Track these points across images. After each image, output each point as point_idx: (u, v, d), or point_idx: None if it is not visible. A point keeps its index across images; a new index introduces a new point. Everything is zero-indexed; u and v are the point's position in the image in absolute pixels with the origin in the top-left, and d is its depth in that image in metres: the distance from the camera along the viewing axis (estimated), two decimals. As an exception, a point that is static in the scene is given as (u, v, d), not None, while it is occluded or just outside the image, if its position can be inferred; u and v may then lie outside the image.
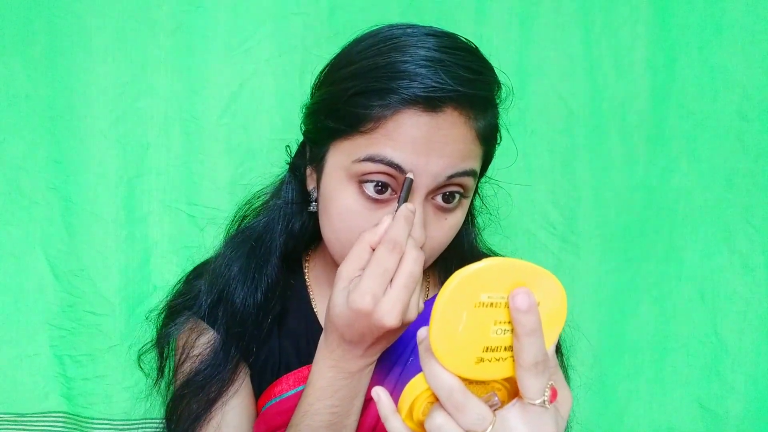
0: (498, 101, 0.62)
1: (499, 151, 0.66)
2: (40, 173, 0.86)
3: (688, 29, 0.97)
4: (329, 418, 0.55)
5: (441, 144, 0.54)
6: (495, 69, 0.60)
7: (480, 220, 0.78)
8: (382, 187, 0.56)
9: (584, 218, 0.98)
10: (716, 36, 0.96)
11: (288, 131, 0.92)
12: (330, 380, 0.55)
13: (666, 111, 0.98)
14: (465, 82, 0.54)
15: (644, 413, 1.00)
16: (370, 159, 0.54)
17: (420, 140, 0.54)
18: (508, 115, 0.65)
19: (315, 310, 0.70)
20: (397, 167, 0.54)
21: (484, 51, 0.61)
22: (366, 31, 0.61)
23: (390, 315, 0.49)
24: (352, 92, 0.55)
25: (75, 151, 0.87)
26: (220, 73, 0.90)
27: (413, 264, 0.50)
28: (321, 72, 0.64)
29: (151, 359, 0.74)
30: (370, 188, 0.56)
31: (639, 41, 0.97)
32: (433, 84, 0.53)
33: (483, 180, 0.72)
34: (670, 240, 0.99)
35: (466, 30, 0.62)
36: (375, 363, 0.57)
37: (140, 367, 0.77)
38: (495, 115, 0.61)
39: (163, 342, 0.67)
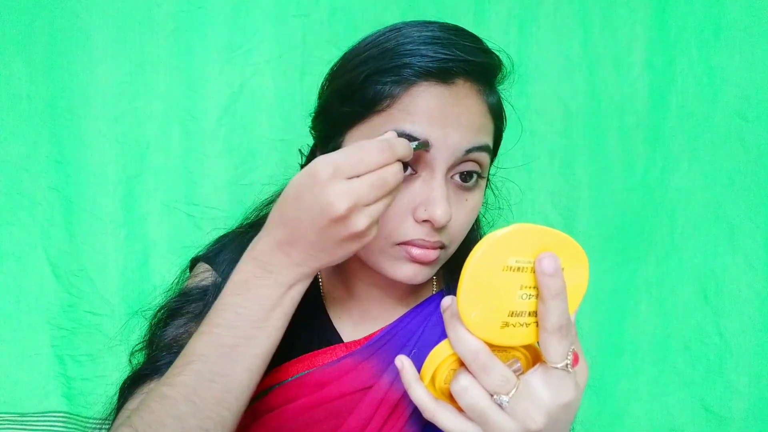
0: (501, 82, 0.63)
1: (503, 148, 0.66)
2: (40, 173, 0.87)
3: (687, 30, 0.97)
4: (233, 319, 0.49)
5: (456, 116, 0.55)
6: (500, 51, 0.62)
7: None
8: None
9: (583, 218, 0.98)
10: (715, 36, 0.96)
11: (288, 131, 0.93)
12: (246, 275, 0.50)
13: (665, 111, 0.98)
14: (474, 53, 0.56)
15: (645, 414, 0.99)
16: None
17: (436, 112, 0.54)
18: (512, 92, 0.65)
19: (324, 301, 0.69)
20: (415, 141, 0.54)
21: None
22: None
23: (362, 215, 0.47)
24: (365, 75, 0.56)
25: (76, 152, 0.88)
26: (220, 74, 0.91)
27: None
28: (328, 72, 0.64)
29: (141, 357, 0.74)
30: None
31: (638, 42, 0.97)
32: (444, 56, 0.54)
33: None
34: (670, 240, 0.99)
35: (465, 30, 0.63)
36: (303, 290, 0.52)
37: (130, 363, 0.77)
38: (500, 96, 0.63)
39: (155, 342, 0.67)
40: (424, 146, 0.54)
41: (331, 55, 0.63)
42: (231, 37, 0.91)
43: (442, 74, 0.55)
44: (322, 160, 0.47)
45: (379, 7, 0.93)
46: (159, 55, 0.89)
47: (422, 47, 0.55)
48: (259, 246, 0.50)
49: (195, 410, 0.48)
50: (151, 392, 0.50)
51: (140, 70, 0.89)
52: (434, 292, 0.71)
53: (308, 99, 0.93)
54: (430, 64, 0.54)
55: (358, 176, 0.47)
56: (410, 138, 0.54)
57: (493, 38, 0.63)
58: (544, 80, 0.97)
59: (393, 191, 0.49)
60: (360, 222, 0.47)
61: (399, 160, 0.49)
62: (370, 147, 0.48)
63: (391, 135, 0.52)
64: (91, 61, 0.87)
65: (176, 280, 0.73)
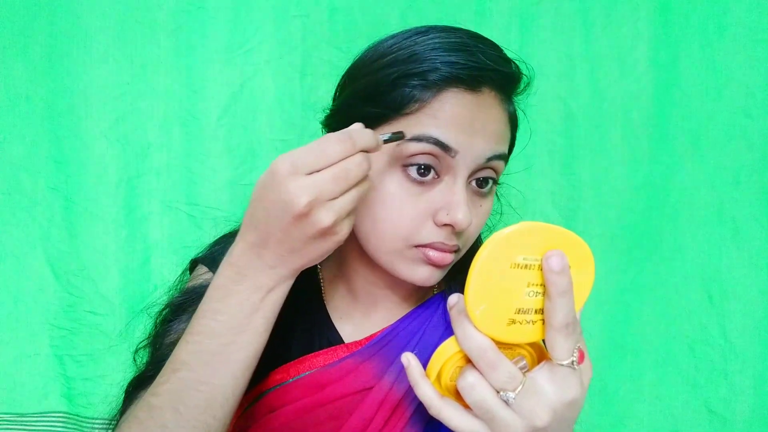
0: (521, 92, 0.64)
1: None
2: (40, 173, 0.87)
3: (690, 28, 0.96)
4: (213, 326, 0.49)
5: (482, 124, 0.56)
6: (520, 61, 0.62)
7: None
8: (425, 170, 0.56)
9: (584, 218, 0.98)
10: (718, 34, 0.96)
11: (288, 131, 0.93)
12: (224, 280, 0.50)
13: (669, 110, 0.98)
14: (499, 62, 0.57)
15: (648, 415, 0.98)
16: (416, 139, 0.54)
17: (464, 119, 0.55)
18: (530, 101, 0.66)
19: (325, 301, 0.69)
20: (443, 146, 0.54)
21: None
22: (386, 35, 0.61)
23: (324, 210, 0.46)
24: (394, 77, 0.56)
25: (75, 151, 0.88)
26: (220, 74, 0.91)
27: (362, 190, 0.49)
28: (347, 71, 0.64)
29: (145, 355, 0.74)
30: (413, 171, 0.56)
31: (640, 40, 0.97)
32: (473, 64, 0.55)
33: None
34: (673, 239, 0.98)
35: (466, 30, 0.63)
36: (284, 293, 0.51)
37: (135, 361, 0.77)
38: (515, 105, 0.63)
39: (159, 339, 0.66)
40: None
41: (331, 55, 0.63)
42: (231, 37, 0.91)
43: (471, 82, 0.55)
44: (282, 157, 0.47)
45: (379, 7, 0.93)
46: (159, 55, 0.89)
47: (451, 54, 0.55)
48: (235, 251, 0.50)
49: (179, 418, 0.48)
50: (138, 401, 0.51)
51: (140, 70, 0.89)
52: (435, 293, 0.71)
53: (308, 99, 0.93)
54: (461, 71, 0.54)
55: (319, 170, 0.46)
56: (436, 142, 0.54)
57: (494, 37, 0.62)
58: (544, 79, 0.97)
59: (361, 183, 0.49)
60: (324, 217, 0.46)
61: (364, 151, 0.48)
62: (330, 139, 0.47)
63: (357, 126, 0.51)
64: (92, 62, 0.87)
65: (176, 281, 0.73)
